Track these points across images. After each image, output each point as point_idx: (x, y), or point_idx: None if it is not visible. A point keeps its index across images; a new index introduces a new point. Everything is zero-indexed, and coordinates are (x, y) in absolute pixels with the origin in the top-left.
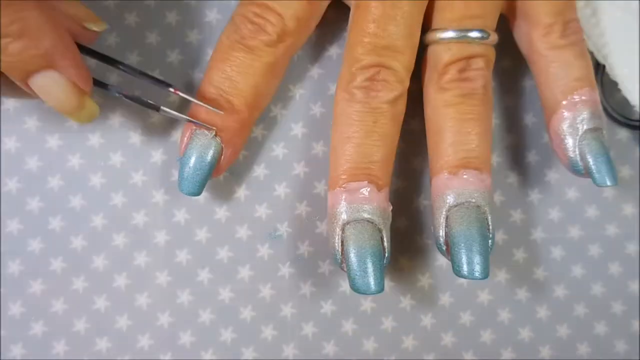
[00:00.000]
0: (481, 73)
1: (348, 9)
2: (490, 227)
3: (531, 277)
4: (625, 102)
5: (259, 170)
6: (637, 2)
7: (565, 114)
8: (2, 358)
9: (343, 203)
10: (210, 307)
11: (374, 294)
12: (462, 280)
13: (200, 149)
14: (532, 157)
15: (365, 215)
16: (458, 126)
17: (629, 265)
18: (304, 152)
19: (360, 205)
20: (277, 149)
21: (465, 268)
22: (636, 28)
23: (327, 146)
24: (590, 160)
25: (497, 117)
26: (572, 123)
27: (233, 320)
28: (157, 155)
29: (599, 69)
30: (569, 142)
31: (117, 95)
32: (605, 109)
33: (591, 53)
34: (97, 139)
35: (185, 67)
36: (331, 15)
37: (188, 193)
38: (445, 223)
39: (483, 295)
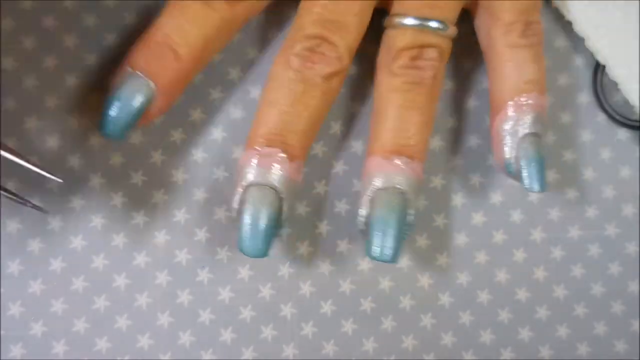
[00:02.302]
0: (432, 64)
1: None
2: (412, 215)
3: (531, 277)
4: (625, 102)
5: None
6: (638, 2)
7: (510, 114)
8: (2, 358)
9: (253, 164)
10: (210, 307)
11: (257, 256)
12: (462, 280)
13: (130, 91)
14: None
15: (271, 182)
16: (399, 113)
17: (629, 265)
18: None
19: (268, 170)
20: None
21: (377, 250)
22: (637, 28)
23: (326, 147)
24: (523, 164)
25: None
26: (514, 125)
27: (233, 320)
28: (157, 155)
29: (599, 69)
30: (508, 142)
31: None
32: (605, 109)
33: (591, 53)
34: (97, 139)
35: None
36: None
37: (110, 135)
38: (369, 204)
39: (483, 295)
